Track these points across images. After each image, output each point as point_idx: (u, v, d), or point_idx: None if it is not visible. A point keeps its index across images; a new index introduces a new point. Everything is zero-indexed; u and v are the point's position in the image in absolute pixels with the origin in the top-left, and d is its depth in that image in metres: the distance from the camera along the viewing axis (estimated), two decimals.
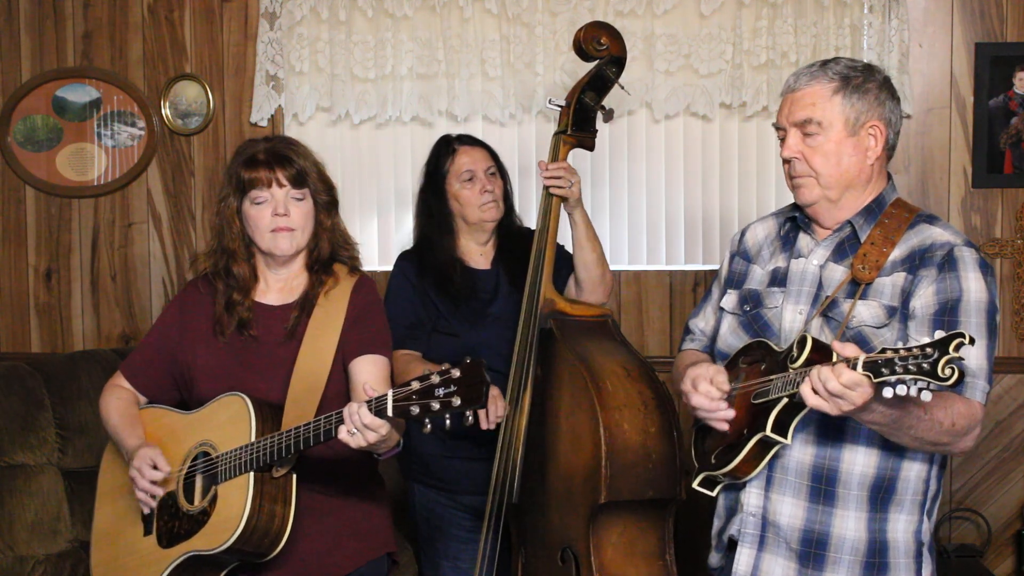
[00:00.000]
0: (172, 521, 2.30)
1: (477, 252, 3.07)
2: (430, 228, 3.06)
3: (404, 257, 3.09)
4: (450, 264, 3.01)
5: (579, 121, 2.94)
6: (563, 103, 2.96)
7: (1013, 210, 3.68)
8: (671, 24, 3.67)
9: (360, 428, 2.02)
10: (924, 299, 2.03)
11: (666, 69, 3.67)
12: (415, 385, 1.94)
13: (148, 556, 2.32)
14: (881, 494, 2.08)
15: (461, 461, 2.96)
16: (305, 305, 2.39)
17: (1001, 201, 3.69)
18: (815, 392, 1.83)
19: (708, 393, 2.09)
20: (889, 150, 2.15)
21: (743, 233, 2.38)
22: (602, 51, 2.93)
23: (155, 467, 2.29)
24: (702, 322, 2.42)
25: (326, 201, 2.41)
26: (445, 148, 3.06)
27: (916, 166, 3.70)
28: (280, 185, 2.34)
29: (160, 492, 2.31)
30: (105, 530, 2.47)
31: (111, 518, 2.46)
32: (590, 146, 2.98)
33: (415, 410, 1.93)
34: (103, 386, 2.53)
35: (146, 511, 2.35)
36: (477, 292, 3.02)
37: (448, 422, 1.94)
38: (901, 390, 1.72)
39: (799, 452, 2.10)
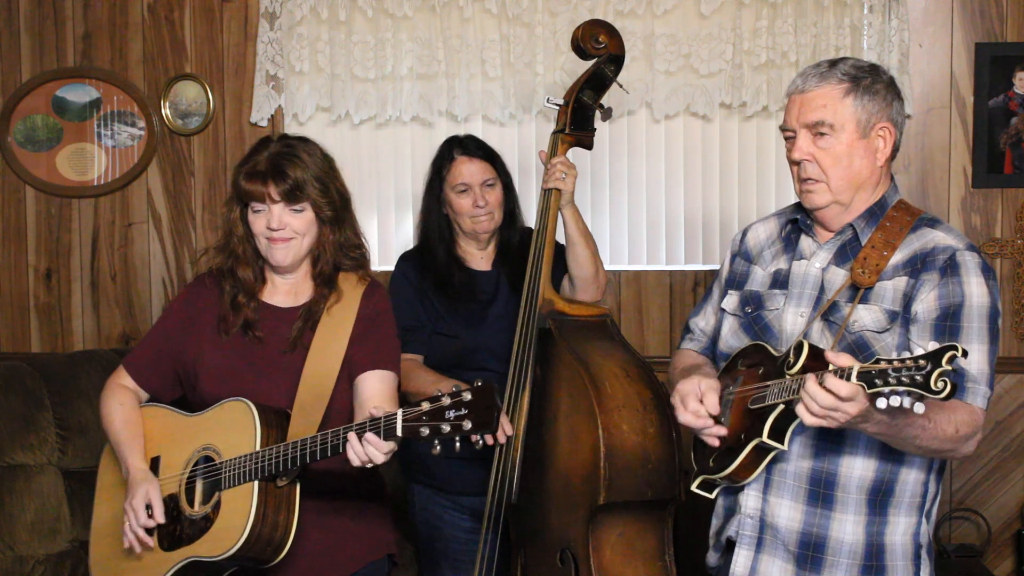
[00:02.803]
0: (173, 524, 2.28)
1: (477, 255, 3.07)
2: (430, 229, 3.06)
3: (405, 258, 3.09)
4: (450, 265, 3.01)
5: (577, 120, 2.92)
6: (561, 102, 2.95)
7: (1013, 210, 3.67)
8: (671, 24, 3.66)
9: (370, 454, 2.03)
10: (926, 304, 2.02)
11: (666, 69, 3.67)
12: (426, 406, 1.93)
13: (148, 557, 2.30)
14: (880, 497, 2.07)
15: (461, 462, 2.95)
16: (309, 317, 2.36)
17: (1001, 201, 3.68)
18: (808, 409, 1.81)
19: (696, 412, 2.08)
20: (894, 151, 2.14)
21: (744, 233, 2.36)
22: (600, 49, 2.91)
23: (150, 513, 2.27)
24: (702, 321, 2.41)
25: (329, 216, 2.34)
26: (447, 153, 3.04)
27: (916, 166, 3.69)
28: (273, 200, 2.29)
29: (150, 543, 2.28)
30: (104, 528, 2.46)
31: (110, 516, 2.45)
32: (588, 145, 2.97)
33: (425, 431, 1.92)
34: (103, 386, 2.51)
35: (125, 545, 2.30)
36: (477, 293, 3.01)
37: (458, 444, 1.92)
38: (895, 401, 1.70)
39: (798, 456, 2.09)
